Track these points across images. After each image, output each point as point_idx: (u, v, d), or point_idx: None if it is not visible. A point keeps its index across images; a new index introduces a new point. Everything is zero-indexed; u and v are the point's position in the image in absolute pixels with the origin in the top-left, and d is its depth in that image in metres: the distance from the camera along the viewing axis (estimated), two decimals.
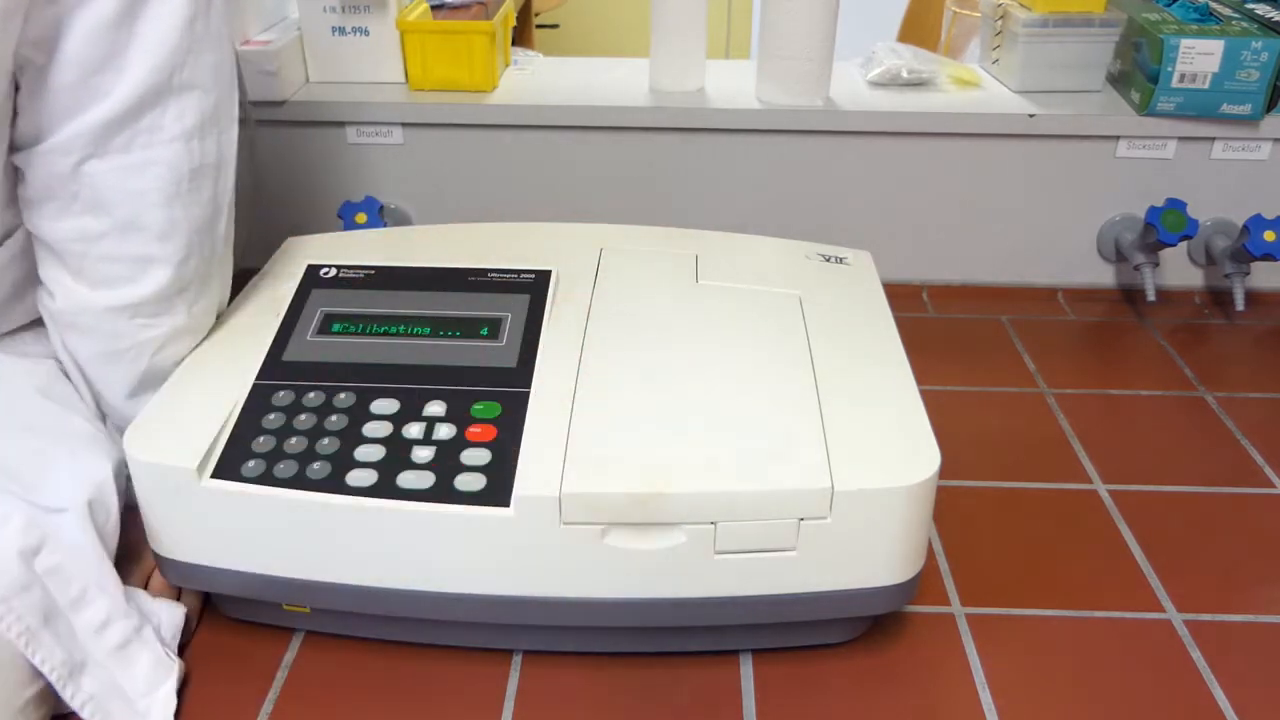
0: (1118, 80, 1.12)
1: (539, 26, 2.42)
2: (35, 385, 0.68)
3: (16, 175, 0.65)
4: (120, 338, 0.66)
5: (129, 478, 0.64)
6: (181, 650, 0.66)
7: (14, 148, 0.63)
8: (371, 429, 0.63)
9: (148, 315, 0.66)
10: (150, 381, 0.68)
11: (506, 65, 1.19)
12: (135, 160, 0.62)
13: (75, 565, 0.60)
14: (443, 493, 0.59)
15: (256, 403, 0.64)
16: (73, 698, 0.57)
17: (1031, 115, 1.06)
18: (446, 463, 0.61)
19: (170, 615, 0.65)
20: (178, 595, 0.68)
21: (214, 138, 0.66)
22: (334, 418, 0.63)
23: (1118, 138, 1.07)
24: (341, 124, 1.09)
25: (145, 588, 0.67)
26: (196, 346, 0.70)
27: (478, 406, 0.64)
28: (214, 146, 0.66)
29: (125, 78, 0.61)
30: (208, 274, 0.68)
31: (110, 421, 0.71)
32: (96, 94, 0.61)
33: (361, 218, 1.05)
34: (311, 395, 0.65)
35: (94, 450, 0.65)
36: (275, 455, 0.61)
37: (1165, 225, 1.02)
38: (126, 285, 0.65)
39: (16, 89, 0.61)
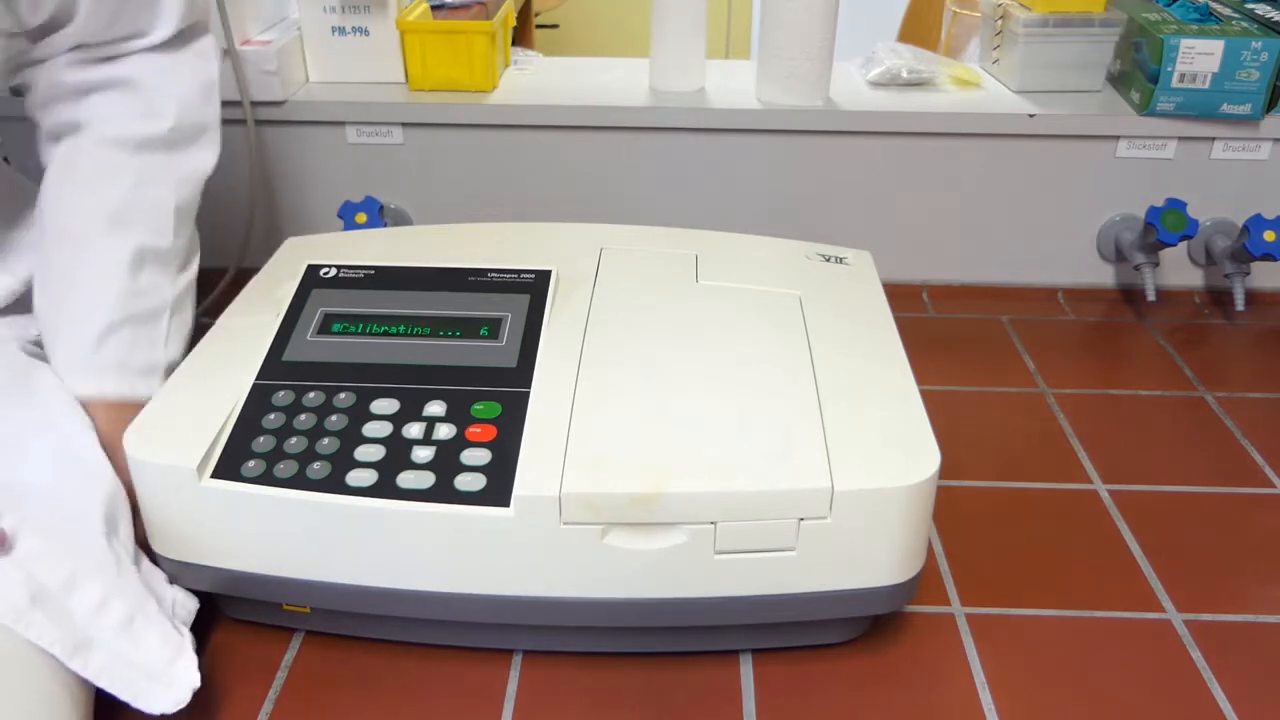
0: (1118, 80, 1.12)
1: (539, 26, 2.42)
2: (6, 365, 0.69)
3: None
4: None
5: None
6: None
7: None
8: (371, 429, 0.63)
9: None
10: None
11: (506, 65, 1.19)
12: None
13: (57, 547, 0.59)
14: (443, 493, 0.59)
15: (256, 403, 0.64)
16: (84, 669, 0.56)
17: (1031, 115, 1.06)
18: (446, 463, 0.61)
19: (184, 600, 0.65)
20: None
21: None
22: (334, 418, 0.63)
23: (1118, 138, 1.07)
24: (341, 124, 1.09)
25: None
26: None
27: (478, 406, 0.64)
28: None
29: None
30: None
31: None
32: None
33: (361, 218, 1.05)
34: (311, 395, 0.65)
35: (70, 420, 0.65)
36: (275, 455, 0.61)
37: (1165, 225, 1.02)
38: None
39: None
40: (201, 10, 0.80)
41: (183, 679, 0.59)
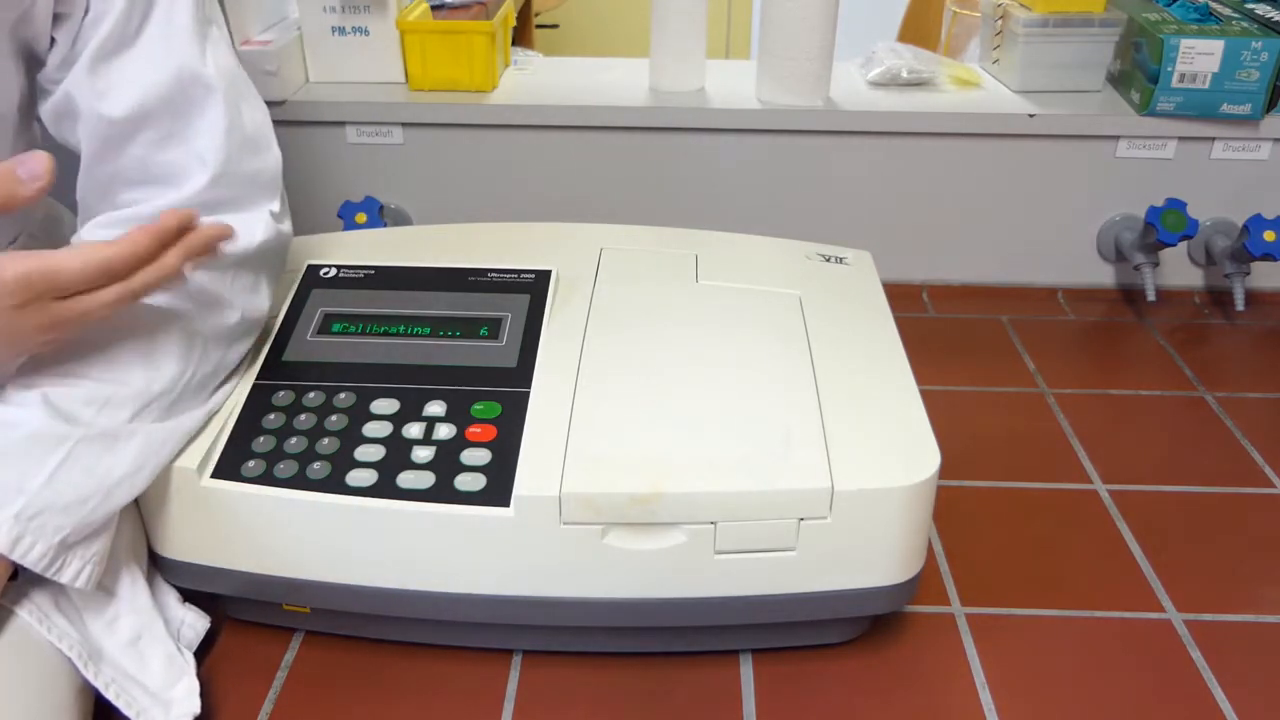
0: (1118, 80, 1.12)
1: (539, 26, 2.42)
2: None
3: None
4: None
5: None
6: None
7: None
8: (371, 429, 0.63)
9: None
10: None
11: (506, 65, 1.19)
12: None
13: None
14: (443, 493, 0.59)
15: (256, 403, 0.64)
16: (95, 678, 0.57)
17: (1031, 115, 1.06)
18: (446, 463, 0.61)
19: (194, 620, 0.65)
20: None
21: None
22: (334, 418, 0.63)
23: (1118, 138, 1.07)
24: (341, 124, 1.09)
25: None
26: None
27: (478, 406, 0.64)
28: None
29: None
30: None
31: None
32: None
33: (361, 218, 1.05)
34: (311, 395, 0.65)
35: None
36: (275, 455, 0.61)
37: (1165, 225, 1.02)
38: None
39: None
40: (263, 175, 0.67)
41: (183, 706, 0.59)
